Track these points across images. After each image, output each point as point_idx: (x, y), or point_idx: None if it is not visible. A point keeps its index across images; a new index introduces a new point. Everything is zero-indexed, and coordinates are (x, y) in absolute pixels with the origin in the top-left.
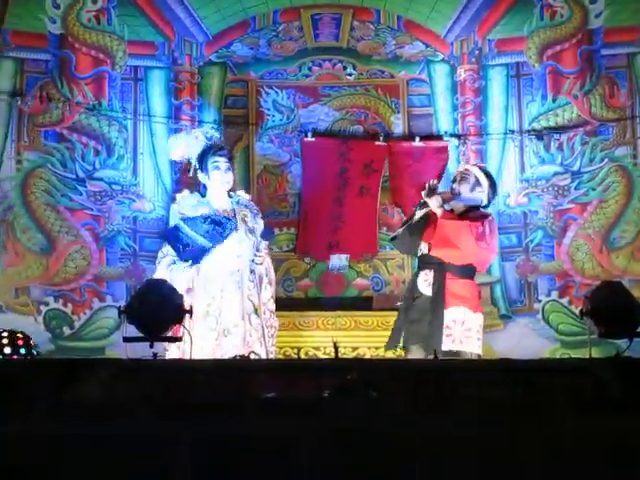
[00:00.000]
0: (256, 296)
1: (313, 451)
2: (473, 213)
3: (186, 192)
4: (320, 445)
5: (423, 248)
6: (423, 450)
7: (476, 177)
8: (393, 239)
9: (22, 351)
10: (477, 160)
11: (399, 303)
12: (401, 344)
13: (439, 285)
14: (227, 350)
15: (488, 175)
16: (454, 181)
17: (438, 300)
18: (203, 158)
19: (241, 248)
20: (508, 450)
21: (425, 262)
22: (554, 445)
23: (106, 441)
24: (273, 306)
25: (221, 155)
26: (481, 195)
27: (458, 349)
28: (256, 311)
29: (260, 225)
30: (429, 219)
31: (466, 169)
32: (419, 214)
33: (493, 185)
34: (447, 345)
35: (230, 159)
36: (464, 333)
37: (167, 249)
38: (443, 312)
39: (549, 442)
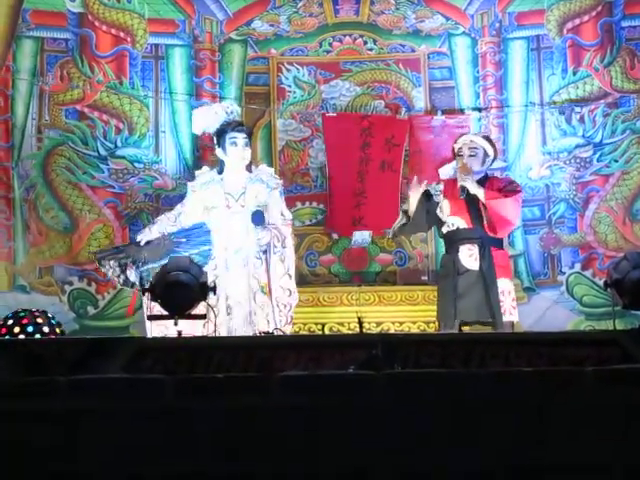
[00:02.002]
0: (263, 274)
1: (337, 428)
2: (501, 183)
3: (205, 169)
4: (343, 422)
5: (456, 222)
6: (449, 423)
7: (484, 149)
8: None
9: (45, 330)
10: (499, 134)
11: (424, 277)
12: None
13: (489, 259)
14: (230, 328)
15: (492, 143)
16: (460, 155)
17: (491, 274)
18: (221, 134)
19: (247, 226)
20: (534, 422)
21: (463, 237)
22: (580, 417)
23: (129, 419)
24: (288, 283)
25: (239, 131)
26: (488, 164)
27: (509, 319)
28: (262, 289)
29: (276, 199)
30: (447, 195)
31: (472, 141)
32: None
33: (495, 151)
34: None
35: (249, 135)
36: (511, 303)
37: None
38: (497, 285)
39: (575, 414)
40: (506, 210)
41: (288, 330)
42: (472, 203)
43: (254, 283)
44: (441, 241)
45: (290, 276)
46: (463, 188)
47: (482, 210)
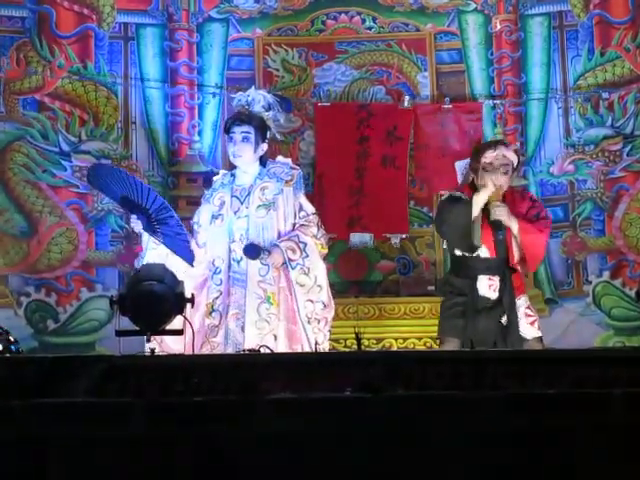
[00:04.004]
0: (271, 281)
1: (330, 456)
2: (523, 204)
3: (222, 172)
4: (338, 451)
5: (477, 249)
6: (458, 454)
7: (513, 164)
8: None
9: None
10: (516, 124)
11: (430, 288)
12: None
13: (510, 291)
14: (228, 345)
15: (519, 155)
16: (487, 171)
17: (513, 307)
18: (226, 131)
19: (244, 229)
20: (554, 452)
21: (484, 267)
22: (608, 447)
23: (94, 448)
24: (319, 295)
25: (237, 125)
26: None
27: (540, 334)
28: (269, 299)
29: (288, 194)
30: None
31: (505, 156)
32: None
33: (519, 163)
34: (535, 332)
35: (258, 128)
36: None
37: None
38: (517, 320)
39: (603, 443)
40: (540, 246)
41: (326, 347)
42: (498, 229)
43: (260, 292)
44: None
45: (320, 287)
46: (499, 223)
47: (509, 239)
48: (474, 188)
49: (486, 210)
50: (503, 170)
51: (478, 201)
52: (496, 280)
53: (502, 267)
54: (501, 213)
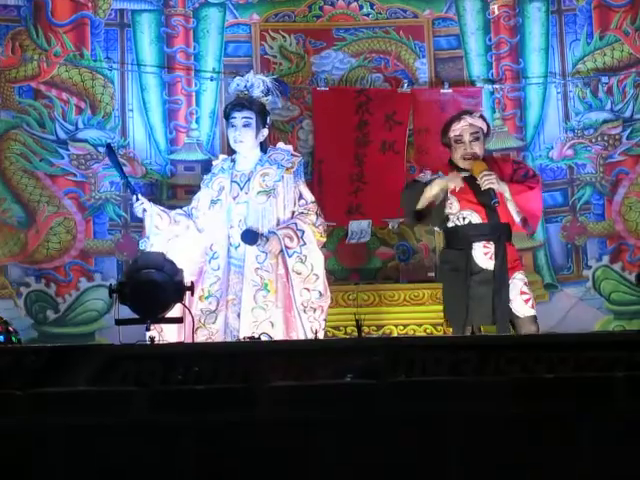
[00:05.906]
0: (269, 269)
1: (332, 445)
2: (509, 167)
3: (221, 157)
4: (340, 438)
5: (468, 216)
6: (460, 439)
7: (482, 130)
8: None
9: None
10: (515, 109)
11: (430, 274)
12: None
13: (503, 257)
14: (227, 332)
15: (486, 120)
16: (460, 142)
17: (503, 274)
18: (226, 116)
19: (243, 215)
20: (558, 437)
21: (479, 233)
22: (611, 430)
23: (95, 437)
24: (315, 284)
25: (238, 110)
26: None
27: (532, 314)
28: (266, 287)
29: (288, 181)
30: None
31: (471, 125)
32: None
33: (489, 129)
34: (528, 310)
35: (259, 113)
36: (533, 295)
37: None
38: (509, 285)
39: (605, 427)
40: (536, 202)
41: (321, 336)
42: (484, 195)
43: (257, 279)
44: None
45: (317, 276)
46: (493, 192)
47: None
48: (452, 164)
49: (474, 185)
50: (473, 138)
51: (431, 190)
52: (491, 247)
53: (496, 232)
54: (491, 181)
